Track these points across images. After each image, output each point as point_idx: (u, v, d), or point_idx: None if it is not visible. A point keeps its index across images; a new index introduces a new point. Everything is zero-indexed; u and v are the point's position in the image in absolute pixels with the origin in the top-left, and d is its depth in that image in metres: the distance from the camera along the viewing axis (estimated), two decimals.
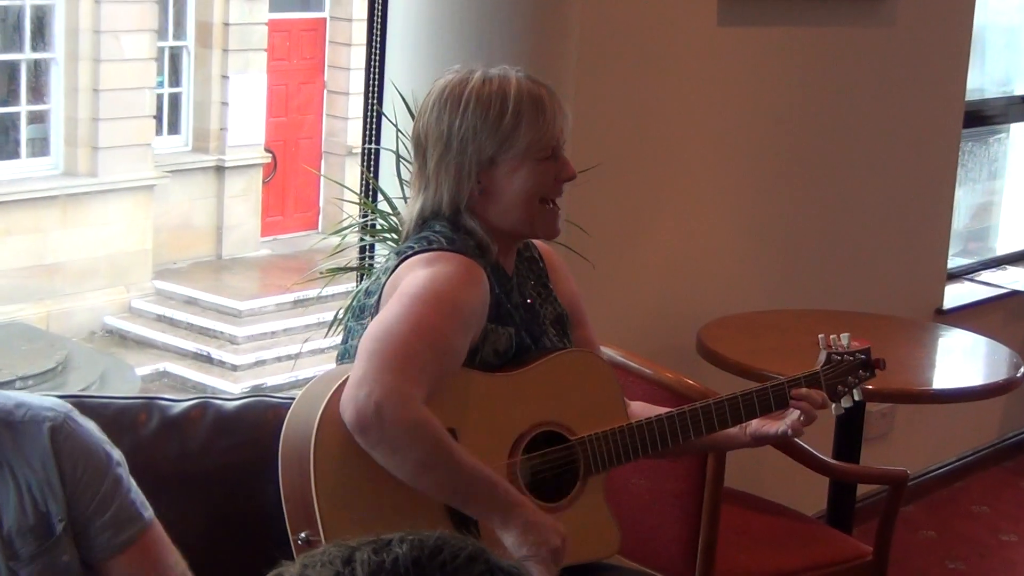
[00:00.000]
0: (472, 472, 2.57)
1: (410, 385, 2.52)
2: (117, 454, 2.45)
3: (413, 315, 2.58)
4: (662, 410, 2.99)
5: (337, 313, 3.58)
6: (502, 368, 2.78)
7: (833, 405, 3.03)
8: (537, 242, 2.98)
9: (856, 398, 3.05)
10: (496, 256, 2.80)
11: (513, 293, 2.84)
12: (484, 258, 2.77)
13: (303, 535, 2.60)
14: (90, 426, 2.45)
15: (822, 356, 3.04)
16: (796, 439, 3.19)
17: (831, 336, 3.07)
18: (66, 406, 2.45)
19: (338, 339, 3.53)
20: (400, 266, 2.73)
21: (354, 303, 2.88)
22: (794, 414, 2.95)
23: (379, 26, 3.83)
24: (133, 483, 2.45)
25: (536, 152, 2.76)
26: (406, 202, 3.53)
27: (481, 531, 2.65)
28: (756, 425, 2.99)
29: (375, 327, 2.59)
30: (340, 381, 2.60)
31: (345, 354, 2.84)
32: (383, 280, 2.75)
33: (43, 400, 2.45)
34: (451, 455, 2.54)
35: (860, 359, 3.05)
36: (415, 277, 2.66)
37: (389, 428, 2.50)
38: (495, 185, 2.77)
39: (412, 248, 2.75)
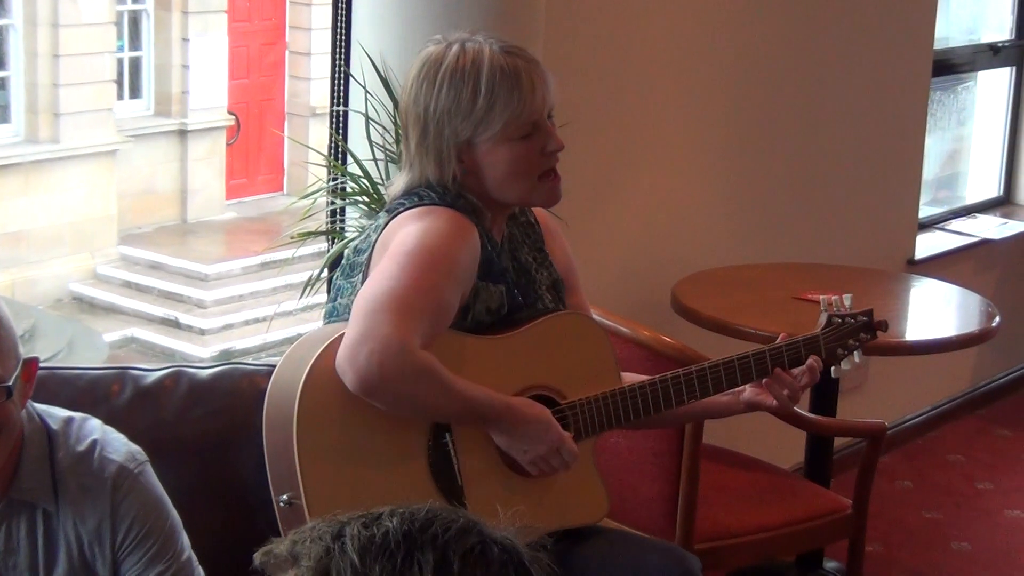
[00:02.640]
0: (481, 400, 2.63)
1: (410, 336, 2.52)
2: (175, 517, 2.45)
3: (406, 272, 2.58)
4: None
5: (310, 276, 3.55)
6: (495, 328, 2.77)
7: (832, 368, 3.00)
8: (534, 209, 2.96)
9: (856, 360, 3.03)
10: (492, 221, 2.78)
11: (503, 257, 2.82)
12: (476, 218, 2.74)
13: (285, 496, 2.60)
14: (156, 484, 2.44)
15: (823, 318, 3.01)
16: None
17: (833, 297, 3.03)
18: (140, 458, 2.44)
19: (313, 299, 3.52)
20: (391, 222, 2.71)
21: (343, 262, 2.85)
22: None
23: None
24: (186, 545, 2.45)
25: (514, 131, 2.72)
26: (376, 164, 3.51)
27: (463, 483, 2.67)
28: (751, 393, 2.96)
29: (369, 286, 2.59)
30: (326, 343, 2.59)
31: (333, 312, 2.82)
32: (374, 238, 2.74)
33: (118, 444, 2.44)
34: (459, 392, 2.59)
35: (862, 321, 3.03)
36: (406, 233, 2.65)
37: (394, 384, 2.52)
38: (478, 164, 2.74)
39: (403, 204, 2.74)
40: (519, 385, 2.76)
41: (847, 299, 3.04)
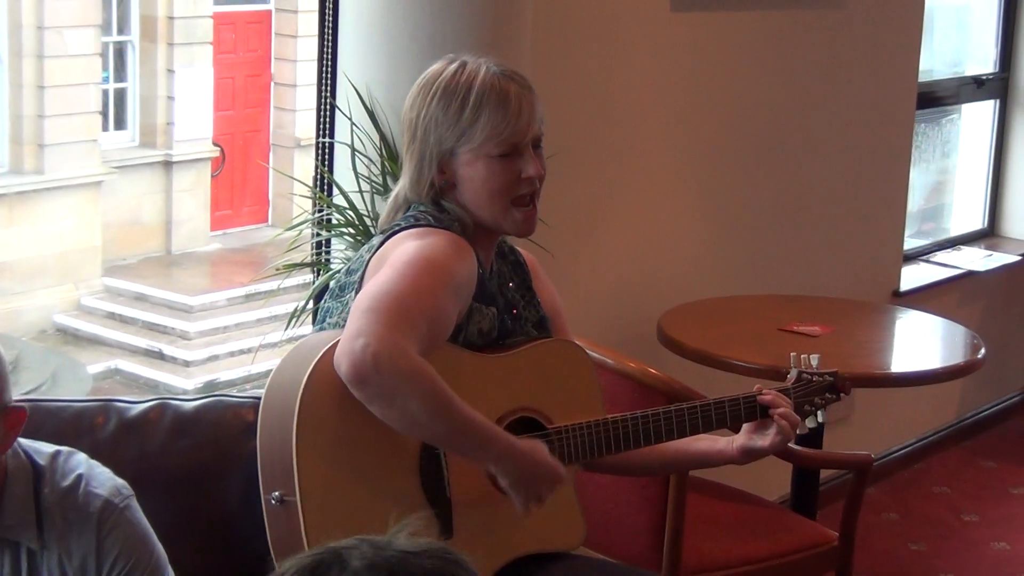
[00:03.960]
0: (469, 423, 2.58)
1: (406, 338, 2.51)
2: (161, 551, 2.44)
3: (407, 277, 2.59)
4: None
5: (295, 308, 3.55)
6: (486, 349, 2.78)
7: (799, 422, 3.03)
8: (520, 248, 2.98)
9: (820, 419, 3.08)
10: (475, 244, 2.79)
11: (493, 284, 2.83)
12: (468, 238, 2.77)
13: (276, 494, 2.59)
14: (141, 519, 2.43)
15: (793, 374, 3.07)
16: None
17: (802, 355, 3.09)
18: (126, 492, 2.43)
19: (299, 331, 3.51)
20: (387, 242, 2.72)
21: (333, 284, 2.86)
22: (774, 429, 2.94)
23: (331, 17, 3.79)
24: None
25: (494, 148, 2.74)
26: (362, 196, 3.52)
27: (451, 496, 2.67)
28: (743, 440, 2.97)
29: (368, 289, 2.59)
30: (328, 344, 2.58)
31: None
32: (367, 257, 2.75)
33: (104, 478, 2.43)
34: (449, 404, 2.55)
35: (828, 381, 3.09)
36: (406, 248, 2.67)
37: (387, 378, 2.49)
38: (457, 176, 2.77)
39: (399, 225, 2.76)
40: (508, 406, 2.77)
41: (814, 359, 3.09)
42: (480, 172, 2.75)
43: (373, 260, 2.72)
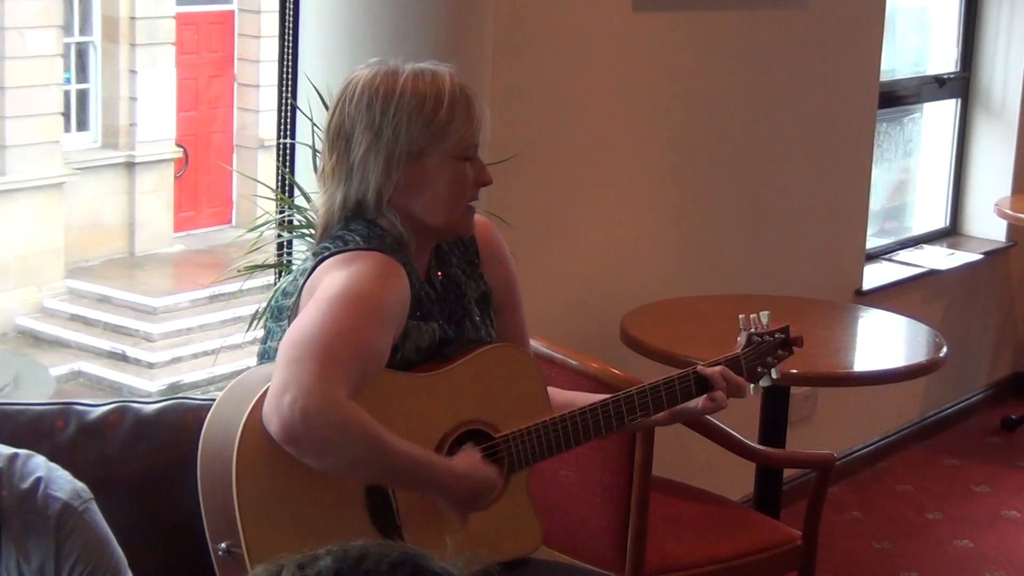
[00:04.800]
0: (406, 458, 2.55)
1: (334, 385, 2.46)
2: (120, 555, 2.42)
3: (332, 318, 2.53)
4: (589, 397, 2.97)
5: (257, 309, 3.53)
6: (424, 363, 2.75)
7: (751, 386, 3.03)
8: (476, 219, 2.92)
9: (774, 376, 3.07)
10: (412, 254, 2.76)
11: (434, 286, 2.81)
12: (402, 254, 2.72)
13: (223, 545, 2.56)
14: (101, 522, 2.41)
15: (742, 337, 3.06)
16: (713, 419, 3.18)
17: (751, 316, 3.07)
18: (85, 495, 2.41)
19: (258, 334, 3.49)
20: (317, 268, 2.68)
21: (272, 303, 2.83)
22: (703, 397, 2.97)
23: (291, 18, 3.78)
24: None
25: (461, 151, 2.73)
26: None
27: (401, 522, 2.65)
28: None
29: (293, 333, 2.54)
30: (262, 390, 2.53)
31: (265, 354, 2.80)
32: (300, 282, 2.70)
33: (63, 481, 2.41)
34: (383, 447, 2.51)
35: (779, 338, 3.08)
36: (332, 279, 2.61)
37: (318, 433, 2.45)
38: (420, 178, 2.73)
39: (328, 248, 2.70)
40: (451, 422, 2.74)
41: (764, 316, 3.08)
42: (447, 173, 2.73)
43: (306, 287, 2.67)
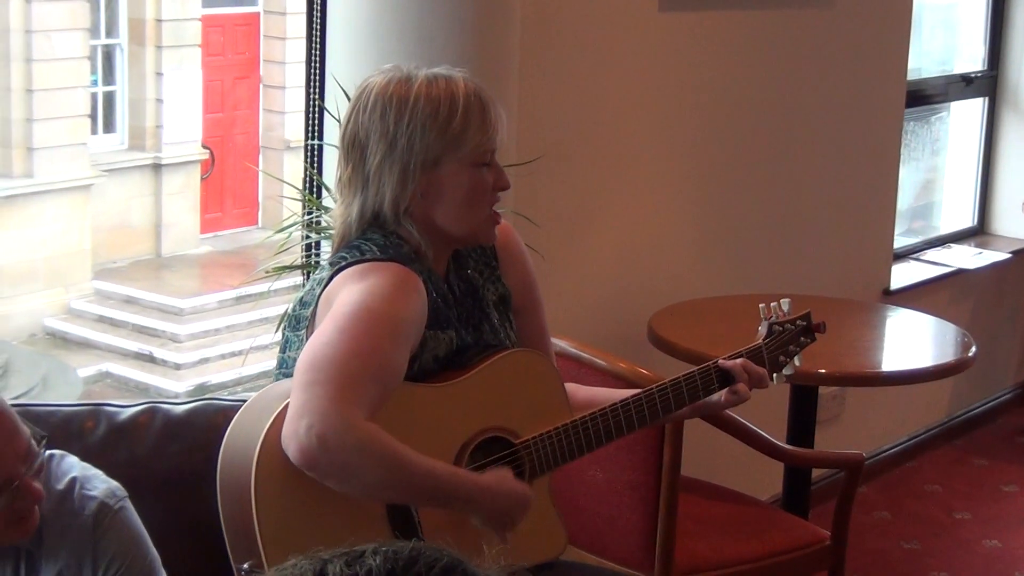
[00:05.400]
0: (429, 476, 2.53)
1: (351, 408, 2.44)
2: (154, 553, 2.43)
3: (349, 337, 2.51)
4: (610, 393, 2.95)
5: (285, 310, 3.53)
6: (442, 372, 2.73)
7: (774, 375, 3.00)
8: None
9: (797, 364, 3.03)
10: (431, 262, 2.75)
11: (450, 291, 2.79)
12: (419, 263, 2.71)
13: (246, 565, 2.54)
14: (136, 521, 2.42)
15: (763, 327, 3.01)
16: (741, 418, 3.15)
17: (771, 304, 3.03)
18: (120, 494, 2.43)
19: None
20: (334, 279, 2.66)
21: (290, 312, 2.80)
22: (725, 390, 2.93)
23: (319, 20, 3.78)
24: None
25: (478, 156, 2.70)
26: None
27: (425, 539, 2.61)
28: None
29: (310, 353, 2.51)
30: (278, 410, 2.52)
31: (283, 363, 2.76)
32: (318, 291, 2.68)
33: (98, 481, 2.43)
34: (404, 467, 2.49)
35: (801, 325, 3.03)
36: (348, 293, 2.59)
37: (337, 456, 2.43)
38: (437, 187, 2.70)
39: (344, 259, 2.68)
40: (470, 430, 2.71)
41: (785, 304, 3.03)
42: (466, 180, 2.70)
43: (322, 298, 2.65)
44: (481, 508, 2.60)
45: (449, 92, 2.68)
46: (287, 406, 2.49)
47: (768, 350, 2.99)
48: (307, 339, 2.61)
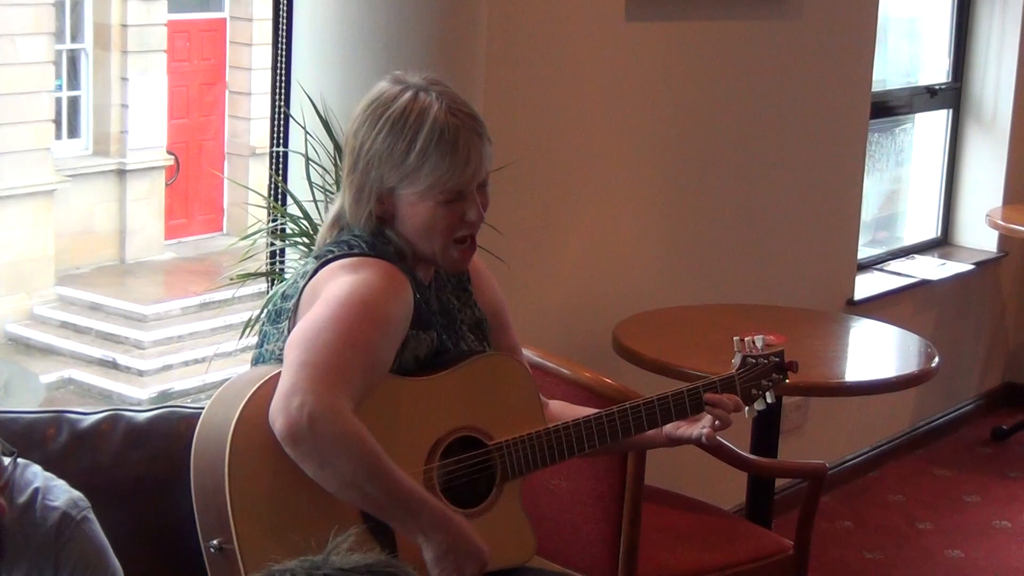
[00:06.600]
0: (401, 489, 2.54)
1: (342, 397, 2.48)
2: (116, 564, 2.43)
3: (342, 323, 2.54)
4: (581, 410, 2.97)
5: (250, 317, 3.52)
6: (420, 371, 2.74)
7: (747, 408, 3.04)
8: None
9: (769, 400, 3.07)
10: (413, 265, 2.76)
11: (431, 300, 2.81)
12: (404, 263, 2.73)
13: (215, 542, 2.56)
14: (98, 532, 2.41)
15: (737, 359, 3.05)
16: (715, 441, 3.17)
17: (746, 338, 3.08)
18: (82, 504, 2.42)
19: (250, 341, 3.49)
20: (321, 271, 2.68)
21: (270, 306, 2.82)
22: (708, 419, 2.95)
23: (284, 26, 3.77)
24: None
25: (437, 194, 2.71)
26: (316, 205, 3.50)
27: (396, 538, 2.63)
28: (671, 427, 2.99)
29: (302, 333, 2.54)
30: (257, 384, 2.55)
31: (260, 358, 2.79)
32: (302, 284, 2.70)
33: (60, 491, 2.42)
34: (382, 472, 2.51)
35: (774, 361, 3.07)
36: (340, 283, 2.62)
37: (322, 441, 2.45)
38: (398, 211, 2.73)
39: (332, 252, 2.71)
40: (446, 427, 2.73)
41: (759, 340, 3.08)
42: (421, 213, 2.72)
43: (307, 289, 2.67)
44: (443, 540, 2.58)
45: (415, 125, 2.69)
46: (262, 386, 2.51)
47: (741, 381, 3.02)
48: (289, 331, 2.62)
